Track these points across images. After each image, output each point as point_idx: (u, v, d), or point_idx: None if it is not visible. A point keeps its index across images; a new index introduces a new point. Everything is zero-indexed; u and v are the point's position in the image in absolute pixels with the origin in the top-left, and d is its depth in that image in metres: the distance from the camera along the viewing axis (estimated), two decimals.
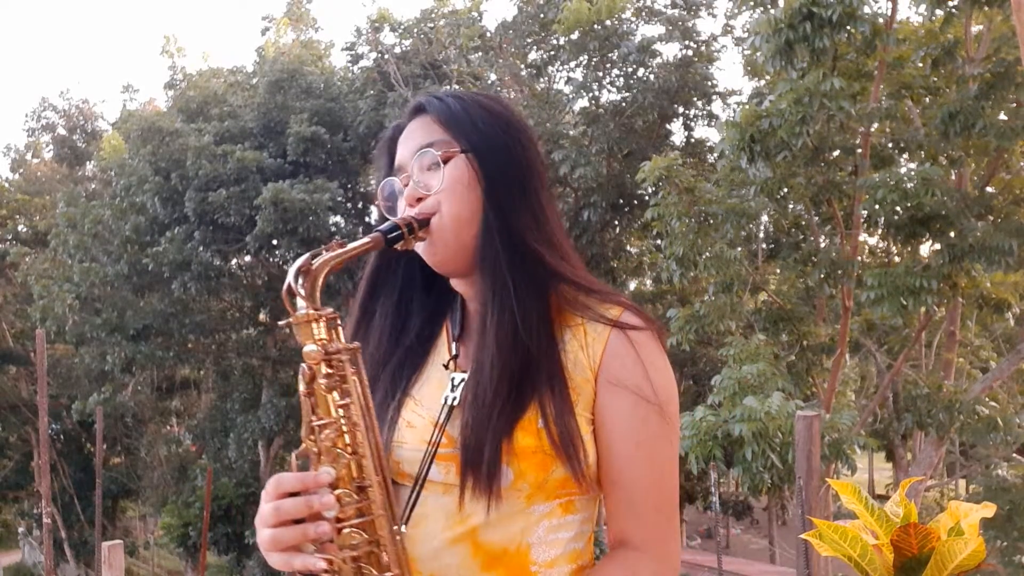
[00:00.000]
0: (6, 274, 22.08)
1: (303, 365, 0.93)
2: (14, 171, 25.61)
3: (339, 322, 0.97)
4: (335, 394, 0.94)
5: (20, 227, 22.80)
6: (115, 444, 21.25)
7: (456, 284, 1.14)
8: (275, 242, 15.00)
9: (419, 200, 1.07)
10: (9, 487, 23.02)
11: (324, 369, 0.94)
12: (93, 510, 13.93)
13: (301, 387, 0.94)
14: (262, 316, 18.69)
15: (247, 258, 17.09)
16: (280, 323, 0.98)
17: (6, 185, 23.70)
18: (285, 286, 0.97)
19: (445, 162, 1.07)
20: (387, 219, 1.07)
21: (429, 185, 1.07)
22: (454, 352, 1.11)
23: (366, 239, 1.01)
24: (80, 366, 18.13)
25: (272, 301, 17.68)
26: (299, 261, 0.96)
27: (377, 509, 0.94)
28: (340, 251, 0.97)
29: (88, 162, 24.04)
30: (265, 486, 0.95)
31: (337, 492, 0.92)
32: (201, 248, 15.17)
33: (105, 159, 16.81)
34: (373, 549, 0.94)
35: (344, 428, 0.94)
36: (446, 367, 1.10)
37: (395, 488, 1.04)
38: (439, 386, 1.09)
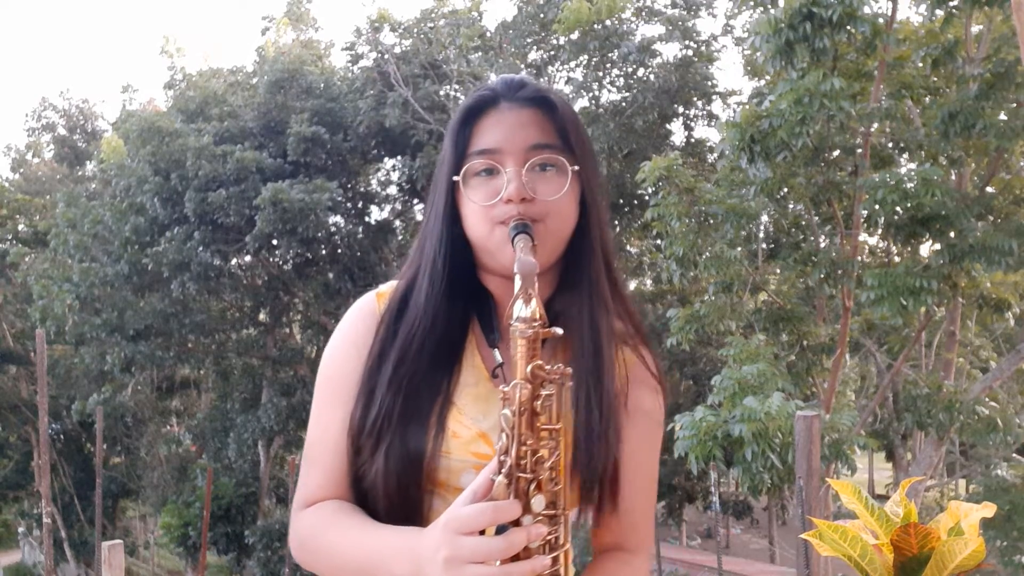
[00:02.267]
0: (6, 274, 22.07)
1: (522, 383, 0.87)
2: (14, 171, 25.62)
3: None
4: (544, 417, 0.88)
5: (20, 227, 22.79)
6: (115, 444, 21.25)
7: (495, 285, 1.11)
8: (275, 242, 15.01)
9: (524, 200, 1.03)
10: (9, 487, 23.02)
11: (544, 390, 0.88)
12: (93, 510, 13.94)
13: (516, 404, 0.87)
14: (262, 316, 18.70)
15: (247, 258, 17.09)
16: (515, 326, 0.89)
17: (6, 185, 23.68)
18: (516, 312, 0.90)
19: (557, 171, 1.05)
20: (455, 171, 1.06)
21: (539, 189, 1.04)
22: (498, 360, 1.09)
23: (522, 246, 0.96)
24: (80, 366, 18.12)
25: (272, 301, 17.69)
26: (518, 296, 0.89)
27: (567, 542, 0.92)
28: (532, 276, 0.91)
29: (88, 162, 24.03)
30: (466, 510, 0.86)
31: (537, 520, 0.87)
32: (201, 248, 15.17)
33: (105, 160, 16.80)
34: None
35: (551, 453, 0.89)
36: (494, 376, 1.08)
37: (425, 497, 1.04)
38: (483, 395, 1.07)
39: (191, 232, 15.20)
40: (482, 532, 0.85)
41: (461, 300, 1.11)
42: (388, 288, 1.16)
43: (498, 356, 1.09)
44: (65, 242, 16.61)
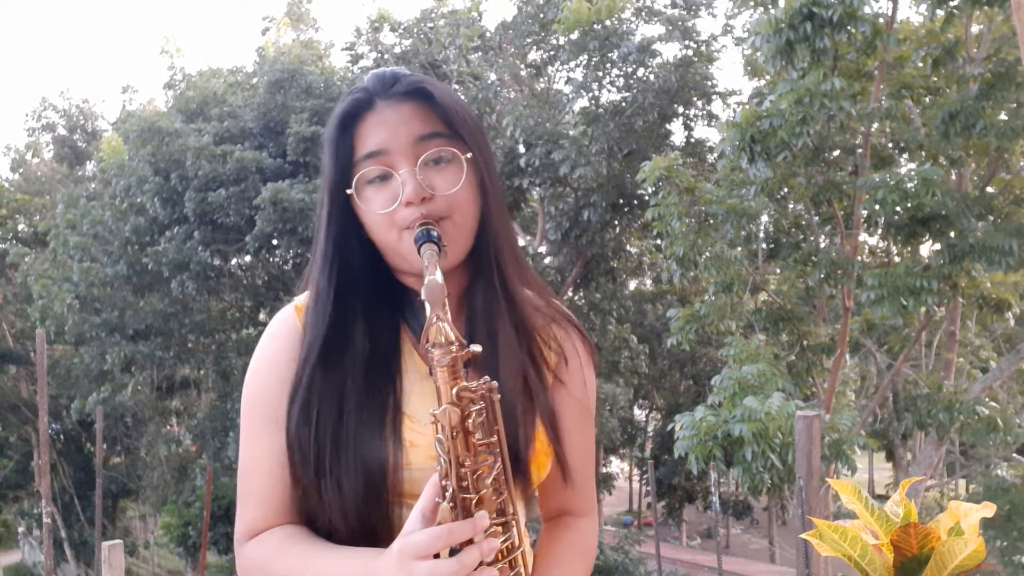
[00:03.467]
0: (6, 274, 22.08)
1: (450, 407, 0.87)
2: (14, 171, 25.60)
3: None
4: (478, 434, 0.89)
5: (20, 227, 22.80)
6: (115, 444, 21.25)
7: (416, 283, 1.05)
8: (275, 242, 15.00)
9: (424, 200, 1.00)
10: (9, 487, 23.02)
11: (474, 408, 0.88)
12: (93, 510, 13.95)
13: (447, 430, 0.87)
14: (262, 316, 18.69)
15: (247, 258, 17.09)
16: (432, 353, 0.88)
17: (6, 185, 23.68)
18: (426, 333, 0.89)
19: (451, 162, 1.02)
20: (339, 192, 1.03)
21: (437, 185, 1.01)
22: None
23: (429, 258, 0.94)
24: (80, 366, 18.13)
25: (272, 301, 17.69)
26: (431, 323, 0.88)
27: (522, 543, 0.94)
28: (442, 299, 0.89)
29: (88, 162, 24.04)
30: (420, 535, 0.86)
31: (488, 533, 0.88)
32: (201, 248, 15.17)
33: (105, 160, 16.81)
34: None
35: (491, 468, 0.89)
36: (432, 374, 1.08)
37: (392, 509, 1.03)
38: (429, 396, 1.02)
39: (191, 232, 15.20)
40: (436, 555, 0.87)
41: (383, 306, 1.08)
42: (305, 301, 1.10)
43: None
44: (65, 242, 16.62)
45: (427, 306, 0.88)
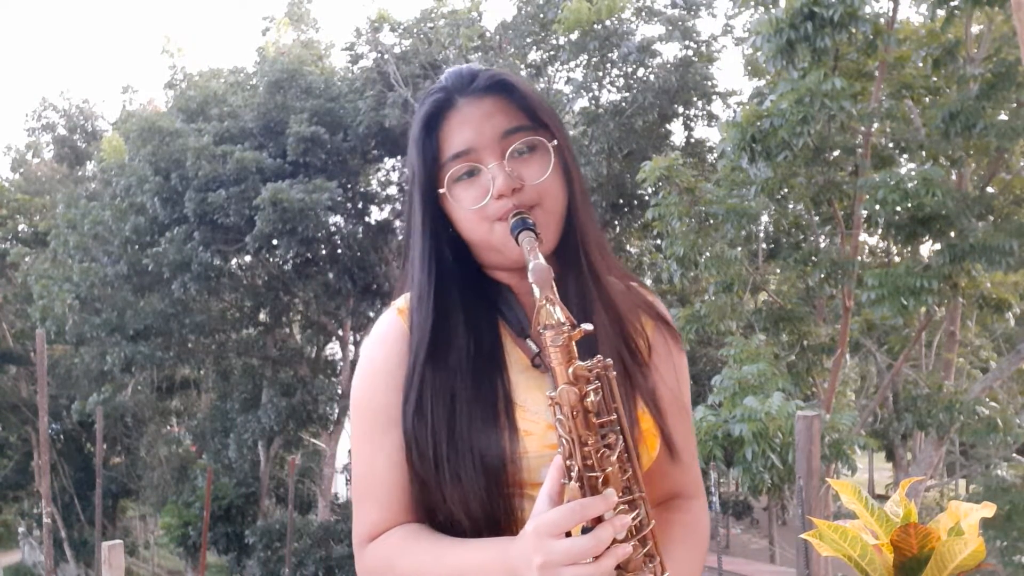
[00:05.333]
0: (6, 274, 22.09)
1: (567, 387, 0.88)
2: (14, 171, 25.59)
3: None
4: (597, 413, 0.89)
5: (20, 227, 22.80)
6: (115, 444, 21.26)
7: (507, 277, 1.10)
8: (275, 242, 15.00)
9: (514, 191, 1.02)
10: (9, 487, 23.03)
11: (590, 387, 0.89)
12: (93, 510, 13.95)
13: (566, 409, 0.88)
14: (262, 316, 18.70)
15: (247, 258, 17.09)
16: (544, 335, 0.89)
17: (6, 185, 23.67)
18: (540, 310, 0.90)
19: (536, 152, 1.04)
20: (431, 192, 1.05)
21: (525, 175, 1.03)
22: (534, 349, 1.08)
23: (529, 245, 0.95)
24: (80, 366, 18.15)
25: (272, 301, 17.69)
26: (542, 305, 0.89)
27: (651, 521, 0.93)
28: (549, 280, 0.90)
29: (88, 162, 24.04)
30: (552, 513, 0.87)
31: (618, 510, 0.89)
32: (201, 248, 15.17)
33: (105, 159, 16.81)
34: (650, 561, 0.93)
35: (614, 446, 0.90)
36: (535, 365, 1.07)
37: (514, 501, 1.03)
38: (534, 386, 1.06)
39: (191, 232, 15.20)
40: (568, 534, 0.87)
41: (480, 302, 1.10)
42: (406, 302, 1.12)
43: (532, 345, 1.08)
44: (65, 242, 16.62)
45: (535, 289, 0.90)
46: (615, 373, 0.93)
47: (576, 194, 1.08)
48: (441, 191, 1.05)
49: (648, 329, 1.16)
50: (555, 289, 0.90)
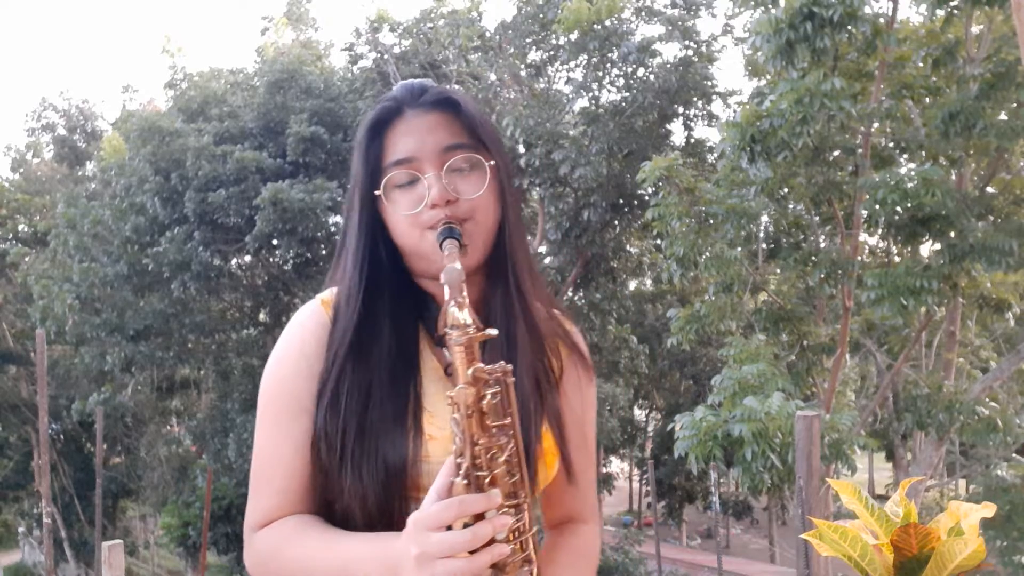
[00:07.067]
0: (6, 274, 22.08)
1: (466, 387, 0.90)
2: (14, 171, 25.61)
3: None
4: (492, 415, 0.91)
5: (20, 227, 22.80)
6: (115, 444, 21.25)
7: (433, 287, 1.12)
8: (275, 242, 15.01)
9: (448, 202, 1.05)
10: (9, 487, 23.03)
11: (489, 390, 0.91)
12: (93, 510, 13.94)
13: (462, 408, 0.90)
14: (262, 316, 18.69)
15: (247, 258, 17.09)
16: (449, 335, 0.92)
17: (6, 185, 23.68)
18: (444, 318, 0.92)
19: (474, 169, 1.08)
20: (370, 194, 1.08)
21: (461, 189, 1.06)
22: (448, 358, 1.10)
23: (449, 251, 0.99)
24: (80, 366, 18.12)
25: (272, 301, 17.69)
26: (449, 305, 0.92)
27: (532, 527, 0.95)
28: (459, 284, 0.93)
29: (88, 162, 24.04)
30: (433, 507, 0.89)
31: (501, 511, 0.90)
32: (201, 248, 15.17)
33: (105, 159, 16.81)
34: (527, 565, 0.95)
35: (504, 448, 0.92)
36: (448, 373, 1.10)
37: (410, 504, 1.04)
38: (444, 396, 1.06)
39: (191, 232, 15.20)
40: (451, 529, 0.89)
41: (405, 306, 1.12)
42: (331, 296, 1.14)
43: (447, 355, 1.10)
44: (65, 242, 16.61)
45: (446, 290, 0.92)
46: (526, 384, 0.97)
47: (509, 215, 1.12)
48: (377, 193, 1.08)
49: (563, 356, 1.20)
50: (464, 292, 0.92)
